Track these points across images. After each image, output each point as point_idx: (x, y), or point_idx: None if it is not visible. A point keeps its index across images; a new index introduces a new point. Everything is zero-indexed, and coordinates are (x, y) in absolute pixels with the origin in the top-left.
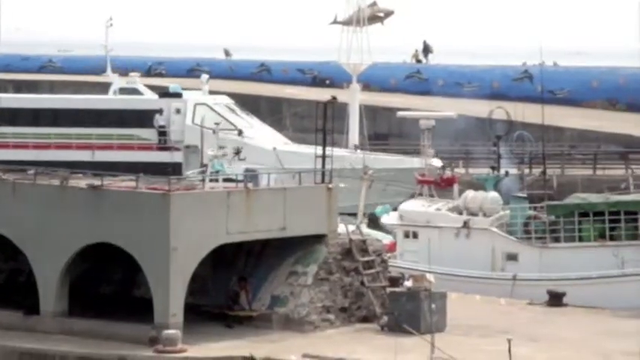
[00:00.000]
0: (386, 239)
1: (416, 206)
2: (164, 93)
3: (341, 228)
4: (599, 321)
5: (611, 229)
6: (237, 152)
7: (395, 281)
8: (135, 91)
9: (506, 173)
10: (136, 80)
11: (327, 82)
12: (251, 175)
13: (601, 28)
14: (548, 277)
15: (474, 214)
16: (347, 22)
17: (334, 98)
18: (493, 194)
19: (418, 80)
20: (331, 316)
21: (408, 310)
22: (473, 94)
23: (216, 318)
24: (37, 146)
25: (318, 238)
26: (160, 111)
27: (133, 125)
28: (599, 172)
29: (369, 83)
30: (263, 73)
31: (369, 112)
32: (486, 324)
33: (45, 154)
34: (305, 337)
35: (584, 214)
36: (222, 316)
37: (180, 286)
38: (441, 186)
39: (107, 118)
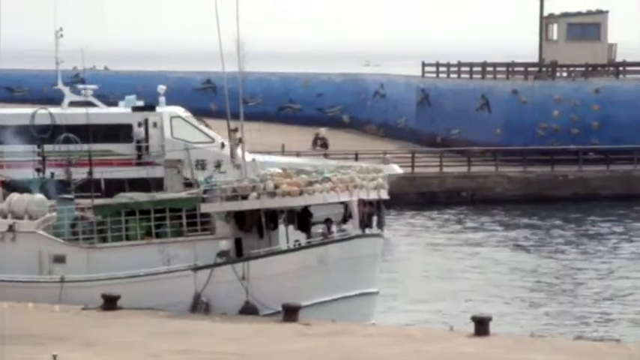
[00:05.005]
0: None
1: None
2: (138, 107)
3: None
4: (151, 322)
5: (158, 226)
6: (218, 165)
7: None
8: (90, 105)
9: (52, 175)
10: (89, 93)
11: None
12: None
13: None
14: (97, 278)
15: (20, 218)
16: None
17: None
18: (39, 196)
19: None
20: None
21: None
22: (24, 99)
23: None
24: (9, 165)
25: None
26: (139, 124)
27: (108, 140)
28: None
29: None
30: None
31: None
32: (40, 332)
33: (17, 173)
34: None
35: (131, 213)
36: None
37: None
38: None
39: (79, 133)
